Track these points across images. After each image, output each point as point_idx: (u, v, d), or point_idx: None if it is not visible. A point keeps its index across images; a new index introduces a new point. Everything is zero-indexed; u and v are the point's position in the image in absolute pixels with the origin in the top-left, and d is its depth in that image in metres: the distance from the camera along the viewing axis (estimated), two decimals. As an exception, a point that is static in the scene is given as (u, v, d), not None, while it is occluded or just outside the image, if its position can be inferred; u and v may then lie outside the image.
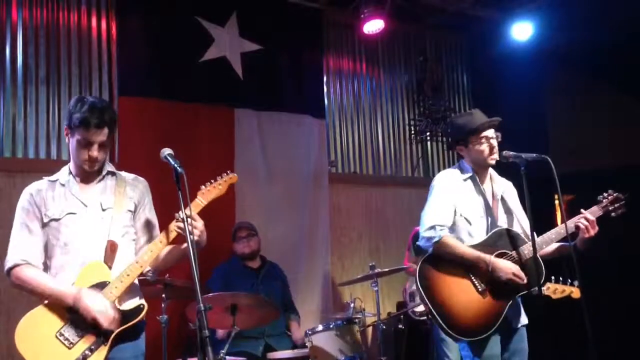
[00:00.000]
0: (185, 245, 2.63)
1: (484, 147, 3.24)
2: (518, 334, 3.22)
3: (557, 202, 3.21)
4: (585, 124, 6.37)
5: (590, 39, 5.73)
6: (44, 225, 2.70)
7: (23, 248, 2.68)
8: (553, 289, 3.69)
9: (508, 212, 3.35)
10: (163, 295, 3.92)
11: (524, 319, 3.27)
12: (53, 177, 2.80)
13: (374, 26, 6.04)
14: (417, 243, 3.28)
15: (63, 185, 2.76)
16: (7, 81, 4.87)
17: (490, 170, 3.40)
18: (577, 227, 3.17)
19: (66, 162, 2.86)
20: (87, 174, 2.77)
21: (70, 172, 2.79)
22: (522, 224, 3.33)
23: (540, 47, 6.26)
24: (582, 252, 3.14)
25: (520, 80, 6.29)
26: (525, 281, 3.09)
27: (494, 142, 3.26)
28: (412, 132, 6.97)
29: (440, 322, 3.05)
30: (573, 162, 5.75)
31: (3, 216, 4.31)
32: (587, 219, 3.17)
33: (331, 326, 4.27)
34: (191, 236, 2.51)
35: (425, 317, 4.83)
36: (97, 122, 2.62)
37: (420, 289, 3.10)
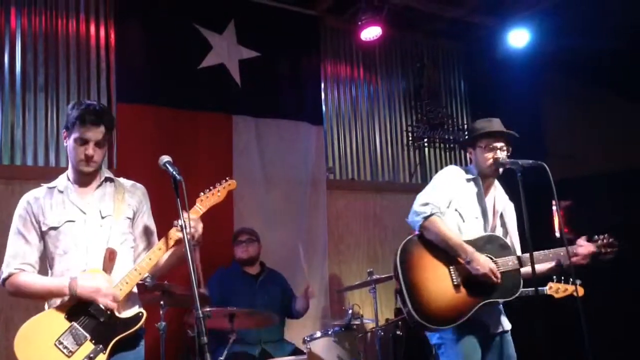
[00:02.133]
0: (182, 250, 2.64)
1: (488, 155, 3.28)
2: (503, 340, 3.25)
3: (554, 208, 3.24)
4: (583, 129, 6.40)
5: (586, 45, 5.75)
6: (43, 234, 2.70)
7: (18, 257, 2.68)
8: (555, 288, 3.71)
9: (504, 227, 3.40)
10: (161, 302, 3.92)
11: (506, 325, 3.30)
12: (51, 184, 2.80)
13: (371, 33, 6.06)
14: (406, 219, 3.30)
15: (61, 192, 2.75)
16: (6, 88, 4.87)
17: (497, 184, 3.44)
18: (575, 255, 3.23)
19: (64, 170, 2.86)
20: (85, 180, 2.77)
21: (69, 179, 2.79)
22: (514, 243, 3.37)
23: (537, 53, 6.29)
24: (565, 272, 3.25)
25: (517, 87, 6.31)
26: (499, 281, 3.11)
27: (500, 154, 3.29)
28: (410, 138, 6.98)
29: (408, 302, 3.07)
30: (570, 168, 5.77)
31: (1, 224, 4.31)
32: (582, 250, 3.24)
33: (329, 332, 4.27)
34: (189, 243, 2.51)
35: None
36: (93, 119, 2.65)
37: (398, 265, 3.13)
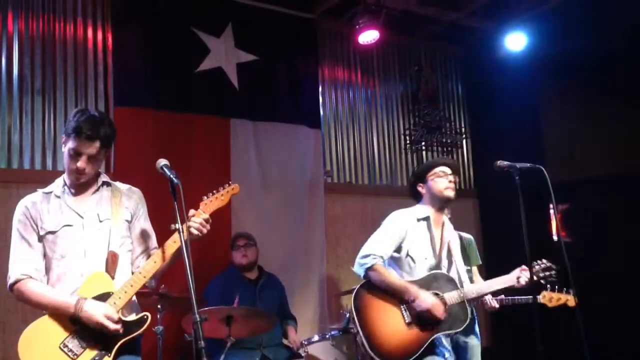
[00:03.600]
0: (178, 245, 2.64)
1: (441, 180, 3.51)
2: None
3: (551, 211, 3.26)
4: (581, 132, 6.41)
5: (583, 48, 5.77)
6: (41, 238, 2.69)
7: (23, 262, 2.67)
8: (549, 298, 3.69)
9: (450, 259, 3.59)
10: (159, 306, 3.91)
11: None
12: (47, 189, 2.79)
13: (369, 36, 6.06)
14: (352, 267, 3.54)
15: (58, 197, 2.75)
16: (3, 92, 4.86)
17: (445, 219, 3.64)
18: (518, 279, 3.47)
19: (62, 173, 2.85)
20: (82, 185, 2.77)
21: (65, 184, 2.78)
22: (459, 273, 3.55)
23: (534, 56, 6.30)
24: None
25: (515, 90, 6.32)
26: (444, 318, 3.31)
27: (451, 178, 3.51)
28: (408, 141, 6.98)
29: (365, 343, 3.27)
30: (568, 171, 5.78)
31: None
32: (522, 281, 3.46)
33: (327, 336, 4.28)
34: (187, 247, 2.51)
35: None
36: (89, 134, 2.62)
37: (353, 309, 3.34)
